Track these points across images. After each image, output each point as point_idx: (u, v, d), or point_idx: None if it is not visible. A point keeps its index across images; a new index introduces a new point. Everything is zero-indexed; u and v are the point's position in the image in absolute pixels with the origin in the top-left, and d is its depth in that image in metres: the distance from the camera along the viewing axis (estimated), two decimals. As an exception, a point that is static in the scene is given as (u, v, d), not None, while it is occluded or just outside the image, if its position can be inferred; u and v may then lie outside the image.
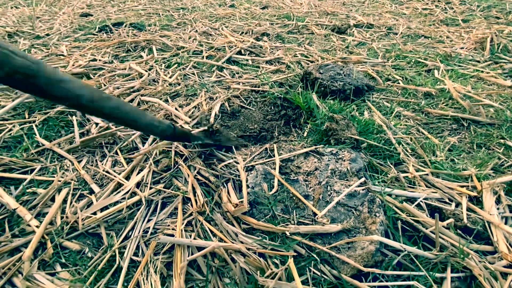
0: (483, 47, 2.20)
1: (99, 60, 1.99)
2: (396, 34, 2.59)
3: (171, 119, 1.40)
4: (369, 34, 2.59)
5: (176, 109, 1.44)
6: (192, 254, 0.82)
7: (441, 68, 1.88)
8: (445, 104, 1.54)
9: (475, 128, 1.36)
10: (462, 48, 2.25)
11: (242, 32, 2.60)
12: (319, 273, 0.76)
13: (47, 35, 2.52)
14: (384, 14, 3.22)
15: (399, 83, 1.74)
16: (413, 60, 2.03)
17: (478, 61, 2.03)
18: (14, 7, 3.48)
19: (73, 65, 1.89)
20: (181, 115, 1.38)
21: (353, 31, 2.62)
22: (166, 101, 1.54)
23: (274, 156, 1.10)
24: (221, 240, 0.85)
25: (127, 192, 1.01)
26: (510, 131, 1.32)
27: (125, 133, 1.30)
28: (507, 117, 1.39)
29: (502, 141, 1.27)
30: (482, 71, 1.86)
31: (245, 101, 1.56)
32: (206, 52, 2.13)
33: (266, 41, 2.38)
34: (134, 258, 0.83)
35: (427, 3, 3.55)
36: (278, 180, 0.98)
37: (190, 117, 1.39)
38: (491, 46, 2.16)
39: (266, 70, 1.89)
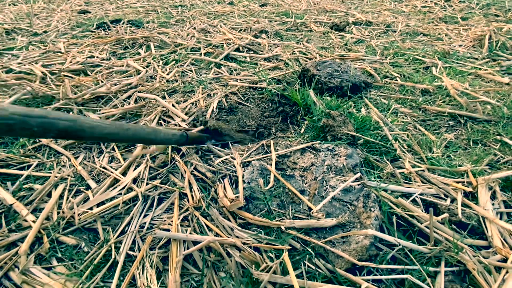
0: (481, 45, 2.20)
1: (97, 57, 1.99)
2: (395, 31, 2.59)
3: (169, 115, 1.40)
4: (368, 31, 2.59)
5: (173, 105, 1.44)
6: (188, 248, 0.82)
7: (439, 66, 1.88)
8: (442, 101, 1.54)
9: (471, 125, 1.36)
10: (460, 45, 2.25)
11: (241, 29, 2.59)
12: (313, 267, 0.77)
13: (45, 32, 2.51)
14: (383, 11, 3.22)
15: (397, 80, 1.74)
16: (411, 58, 2.03)
17: (476, 59, 2.03)
18: (12, 4, 3.46)
19: (70, 62, 1.89)
20: (178, 112, 1.38)
21: (352, 29, 2.62)
22: (164, 97, 1.54)
23: (270, 152, 1.10)
24: (217, 234, 0.86)
25: (124, 188, 1.02)
26: (507, 128, 1.32)
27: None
28: (504, 114, 1.40)
29: (498, 137, 1.27)
30: (480, 69, 1.86)
31: (242, 98, 1.56)
32: (204, 49, 2.12)
33: (264, 38, 2.38)
34: (130, 252, 0.83)
35: (426, 1, 3.55)
36: (274, 176, 0.99)
37: (186, 113, 1.39)
38: (489, 44, 2.16)
39: (264, 67, 1.89)
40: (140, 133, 0.86)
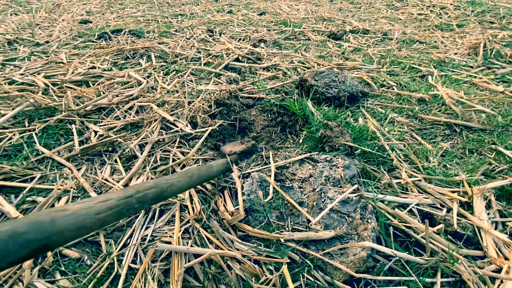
0: (476, 53, 2.24)
1: (98, 67, 2.02)
2: (392, 39, 2.63)
3: (171, 122, 1.42)
4: (365, 39, 2.63)
5: (173, 115, 1.47)
6: (189, 261, 0.84)
7: (435, 74, 1.92)
8: (438, 110, 1.57)
9: (467, 134, 1.39)
10: (456, 53, 2.29)
11: (240, 39, 2.63)
12: (312, 279, 0.78)
13: (47, 42, 2.55)
14: (379, 19, 3.27)
15: (393, 89, 1.77)
16: (407, 66, 2.06)
17: (471, 67, 2.07)
18: (14, 14, 3.51)
19: (72, 72, 1.92)
20: (178, 124, 1.41)
21: (349, 37, 2.66)
22: (159, 105, 1.57)
23: (269, 163, 1.12)
24: (217, 247, 0.87)
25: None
26: (501, 137, 1.35)
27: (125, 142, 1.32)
28: (499, 122, 1.42)
29: (493, 146, 1.29)
30: (475, 77, 1.89)
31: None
32: (204, 59, 2.16)
33: (263, 48, 2.41)
34: (132, 265, 0.85)
35: (422, 8, 3.60)
36: (273, 187, 1.01)
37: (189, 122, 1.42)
38: (484, 52, 2.19)
39: (263, 76, 1.92)
40: (201, 174, 0.93)
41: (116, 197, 0.60)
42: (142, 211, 0.99)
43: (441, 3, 3.71)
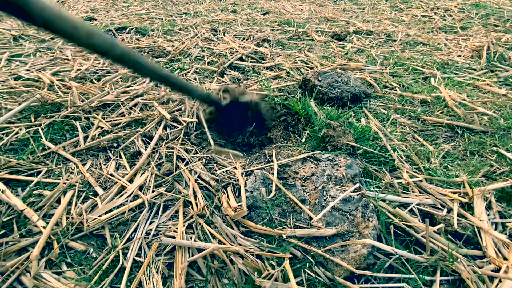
0: (479, 55, 2.24)
1: (103, 64, 2.04)
2: (395, 41, 2.64)
3: (175, 120, 1.44)
4: (368, 41, 2.63)
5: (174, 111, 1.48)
6: (192, 255, 0.85)
7: (438, 76, 1.92)
8: (440, 111, 1.58)
9: (469, 136, 1.40)
10: (459, 56, 2.29)
11: (244, 38, 2.65)
12: (313, 275, 0.80)
13: (52, 38, 2.57)
14: (383, 20, 3.27)
15: (396, 90, 1.78)
16: (410, 68, 2.07)
17: (475, 69, 2.07)
18: (20, 11, 3.53)
19: (77, 69, 1.94)
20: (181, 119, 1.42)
21: (353, 38, 2.67)
22: (165, 103, 1.58)
23: (272, 161, 1.14)
24: (220, 242, 0.89)
25: (130, 195, 1.05)
26: (503, 139, 1.36)
27: (128, 137, 1.34)
28: (501, 125, 1.43)
29: (495, 148, 1.30)
30: (478, 79, 1.90)
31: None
32: (207, 58, 2.17)
33: (266, 47, 2.43)
34: (137, 258, 0.86)
35: (426, 10, 3.60)
36: (276, 185, 1.02)
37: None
38: (487, 55, 2.20)
39: (266, 76, 1.93)
40: (177, 79, 0.98)
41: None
42: (147, 206, 1.01)
43: (445, 5, 3.71)
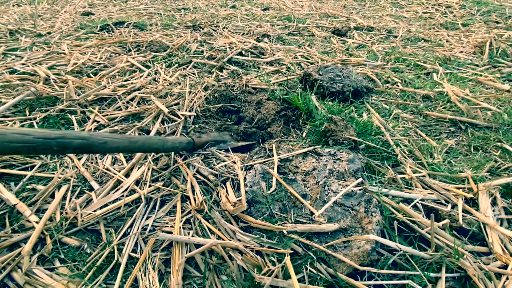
0: (482, 51, 2.21)
1: (100, 58, 2.00)
2: (396, 37, 2.61)
3: (173, 114, 1.41)
4: (369, 36, 2.60)
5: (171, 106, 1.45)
6: (190, 251, 0.82)
7: (440, 71, 1.90)
8: (443, 107, 1.55)
9: (472, 131, 1.37)
10: (461, 52, 2.26)
11: (243, 33, 2.61)
12: (315, 271, 0.77)
13: (49, 33, 2.53)
14: (384, 17, 3.24)
15: (398, 85, 1.76)
16: (412, 63, 2.04)
17: (477, 65, 2.05)
18: (16, 5, 3.49)
19: (74, 63, 1.90)
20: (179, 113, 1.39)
21: (353, 34, 2.64)
22: (163, 97, 1.55)
23: (273, 156, 1.11)
24: (219, 238, 0.86)
25: (126, 190, 1.02)
26: (507, 134, 1.33)
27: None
28: (505, 120, 1.41)
29: (499, 144, 1.28)
30: (481, 75, 1.87)
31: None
32: (207, 53, 2.14)
33: (266, 42, 2.39)
34: (133, 254, 0.84)
35: (427, 7, 3.57)
36: (276, 179, 0.99)
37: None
38: (490, 50, 2.17)
39: (266, 71, 1.90)
40: (147, 144, 0.93)
41: (36, 134, 0.63)
42: (143, 201, 0.98)
43: (447, 1, 3.68)
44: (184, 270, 0.80)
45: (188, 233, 0.88)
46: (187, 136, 1.16)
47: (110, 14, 3.14)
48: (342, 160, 1.06)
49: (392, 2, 3.88)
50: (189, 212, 0.95)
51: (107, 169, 1.12)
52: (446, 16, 3.22)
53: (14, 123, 1.34)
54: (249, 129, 1.37)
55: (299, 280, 0.75)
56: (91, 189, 1.04)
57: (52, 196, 1.01)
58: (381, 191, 0.99)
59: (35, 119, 1.38)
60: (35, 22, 2.73)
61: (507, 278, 0.77)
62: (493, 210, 0.98)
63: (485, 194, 1.01)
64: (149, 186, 1.04)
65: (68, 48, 2.15)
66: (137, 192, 1.01)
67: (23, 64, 1.89)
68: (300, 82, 1.75)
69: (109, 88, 1.60)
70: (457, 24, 2.94)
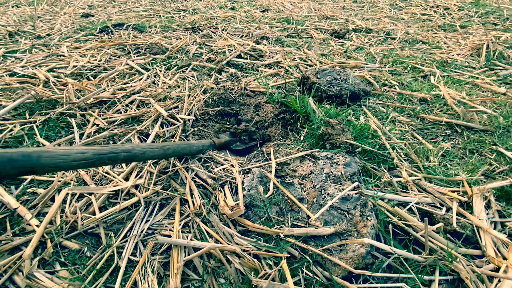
0: (479, 54, 2.23)
1: (99, 60, 2.02)
2: (394, 39, 2.62)
3: (172, 117, 1.42)
4: (368, 38, 2.62)
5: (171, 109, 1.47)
6: (188, 254, 0.84)
7: (437, 74, 1.91)
8: (439, 110, 1.57)
9: (468, 134, 1.39)
10: (458, 54, 2.28)
11: (242, 35, 2.62)
12: (311, 274, 0.79)
13: (48, 35, 2.54)
14: (383, 19, 3.26)
15: (395, 88, 1.77)
16: (410, 66, 2.06)
17: (474, 68, 2.06)
18: (15, 6, 3.50)
19: (73, 66, 1.91)
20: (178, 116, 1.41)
21: (352, 36, 2.65)
22: (162, 100, 1.57)
23: (270, 159, 1.12)
24: (217, 241, 0.88)
25: (126, 193, 1.03)
26: (502, 138, 1.35)
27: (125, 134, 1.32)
28: (500, 123, 1.42)
29: (494, 147, 1.29)
30: (477, 78, 1.89)
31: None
32: (206, 55, 2.15)
33: (265, 45, 2.41)
34: (132, 258, 0.85)
35: (425, 9, 3.59)
36: (274, 183, 1.01)
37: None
38: (487, 53, 2.19)
39: (265, 73, 1.92)
40: (178, 150, 1.05)
41: (92, 152, 0.75)
42: (143, 204, 1.00)
43: (445, 3, 3.70)
44: (183, 273, 0.81)
45: (187, 237, 0.89)
46: (206, 139, 1.30)
47: (110, 16, 3.15)
48: (339, 164, 1.07)
49: (390, 4, 3.90)
50: (188, 216, 0.96)
51: (106, 172, 1.13)
52: (444, 18, 3.24)
53: (14, 126, 1.35)
54: (249, 128, 1.41)
55: (295, 283, 0.76)
56: (90, 192, 1.05)
57: (52, 199, 1.02)
58: (376, 195, 1.00)
59: (35, 122, 1.39)
60: (35, 23, 2.74)
61: (499, 281, 0.79)
62: (487, 214, 0.99)
63: (479, 197, 1.03)
64: (148, 189, 1.06)
65: (67, 50, 2.16)
66: (136, 196, 1.02)
67: (22, 66, 1.90)
68: (298, 85, 1.76)
69: (108, 91, 1.61)
70: (455, 26, 2.96)
